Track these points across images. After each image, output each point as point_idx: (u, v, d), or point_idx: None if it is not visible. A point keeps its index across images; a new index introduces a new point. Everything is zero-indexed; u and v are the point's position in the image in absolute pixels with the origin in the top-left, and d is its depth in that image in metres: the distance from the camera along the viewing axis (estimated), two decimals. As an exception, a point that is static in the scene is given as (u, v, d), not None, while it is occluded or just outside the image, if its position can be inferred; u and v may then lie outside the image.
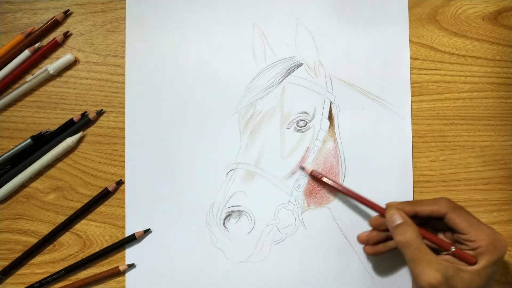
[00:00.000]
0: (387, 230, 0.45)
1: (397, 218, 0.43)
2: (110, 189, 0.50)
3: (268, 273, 0.50)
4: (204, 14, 0.51)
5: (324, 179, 0.48)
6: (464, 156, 0.51)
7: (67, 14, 0.51)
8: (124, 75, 0.51)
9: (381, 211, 0.46)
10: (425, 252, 0.41)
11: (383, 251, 0.47)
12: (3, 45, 0.50)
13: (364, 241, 0.47)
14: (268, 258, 0.50)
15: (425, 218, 0.45)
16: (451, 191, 0.50)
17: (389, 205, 0.46)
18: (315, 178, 0.49)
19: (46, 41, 0.51)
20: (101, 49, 0.51)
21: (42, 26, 0.50)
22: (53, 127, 0.51)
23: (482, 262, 0.41)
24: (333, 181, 0.48)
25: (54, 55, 0.51)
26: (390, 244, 0.47)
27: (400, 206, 0.45)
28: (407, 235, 0.42)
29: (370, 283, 0.50)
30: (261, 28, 0.51)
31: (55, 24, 0.51)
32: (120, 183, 0.50)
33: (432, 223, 0.46)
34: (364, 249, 0.48)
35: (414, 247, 0.42)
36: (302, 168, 0.50)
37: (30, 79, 0.50)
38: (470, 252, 0.42)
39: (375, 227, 0.47)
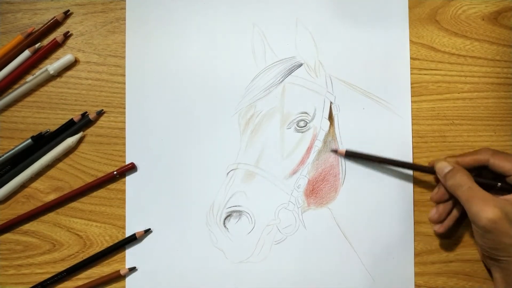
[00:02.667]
0: (448, 199, 0.46)
1: (446, 166, 0.45)
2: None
3: (268, 273, 0.50)
4: (204, 14, 0.51)
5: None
6: (464, 156, 0.51)
7: (67, 15, 0.51)
8: (124, 75, 0.51)
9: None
10: (478, 191, 0.42)
11: (451, 224, 0.47)
12: (3, 45, 0.50)
13: (437, 218, 0.47)
14: (268, 258, 0.50)
15: (469, 169, 0.45)
16: (451, 191, 0.50)
17: (435, 160, 0.47)
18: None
19: (46, 41, 0.51)
20: (101, 49, 0.51)
21: (42, 27, 0.50)
22: (53, 127, 0.51)
23: None
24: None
25: (54, 56, 0.51)
26: (455, 213, 0.47)
27: (443, 158, 0.46)
28: (457, 177, 0.43)
29: (370, 283, 0.50)
30: (261, 28, 0.51)
31: (55, 24, 0.51)
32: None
33: None
34: (435, 230, 0.48)
35: (466, 187, 0.42)
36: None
37: (30, 79, 0.50)
38: None
39: (438, 199, 0.47)
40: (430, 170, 0.47)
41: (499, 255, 0.42)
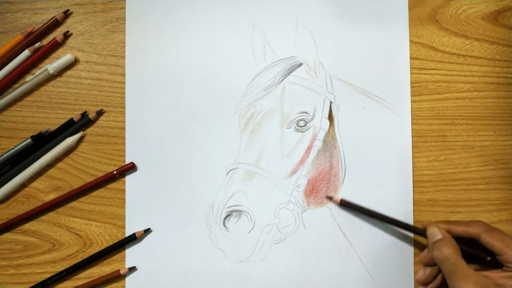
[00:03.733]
0: (436, 264, 0.45)
1: (436, 234, 0.45)
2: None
3: (268, 273, 0.50)
4: (204, 14, 0.51)
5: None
6: (464, 156, 0.51)
7: (67, 14, 0.51)
8: (124, 75, 0.51)
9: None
10: (462, 267, 0.42)
11: (435, 287, 0.46)
12: (3, 45, 0.50)
13: (423, 280, 0.46)
14: (268, 258, 0.50)
15: (459, 238, 0.45)
16: (451, 191, 0.50)
17: (429, 224, 0.47)
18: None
19: (46, 41, 0.51)
20: (101, 49, 0.51)
21: (42, 26, 0.51)
22: (53, 127, 0.51)
23: None
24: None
25: (54, 55, 0.51)
26: (440, 278, 0.46)
27: (436, 223, 0.46)
28: (444, 250, 0.43)
29: (370, 283, 0.50)
30: (261, 28, 0.51)
31: (55, 24, 0.51)
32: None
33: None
34: None
35: (450, 262, 0.42)
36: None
37: (30, 79, 0.50)
38: None
39: (427, 263, 0.46)
40: (423, 232, 0.47)
41: None
